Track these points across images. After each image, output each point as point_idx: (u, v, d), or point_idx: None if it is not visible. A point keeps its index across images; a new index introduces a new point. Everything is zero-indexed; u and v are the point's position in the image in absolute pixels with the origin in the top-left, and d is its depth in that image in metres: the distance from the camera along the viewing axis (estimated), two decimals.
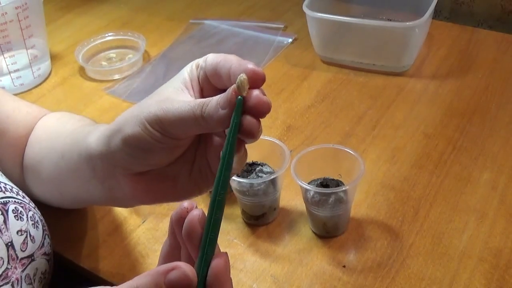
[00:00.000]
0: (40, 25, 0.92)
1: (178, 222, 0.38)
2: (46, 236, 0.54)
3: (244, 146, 0.40)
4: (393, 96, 0.82)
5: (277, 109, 0.81)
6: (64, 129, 0.58)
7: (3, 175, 0.56)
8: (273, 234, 0.63)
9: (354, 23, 0.86)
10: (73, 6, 1.16)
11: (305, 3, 0.86)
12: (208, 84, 0.43)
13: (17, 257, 0.49)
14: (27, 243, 0.51)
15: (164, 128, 0.42)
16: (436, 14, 1.02)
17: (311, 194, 0.59)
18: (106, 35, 1.00)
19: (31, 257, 0.51)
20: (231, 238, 0.63)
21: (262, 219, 0.63)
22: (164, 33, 1.04)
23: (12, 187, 0.54)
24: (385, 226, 0.62)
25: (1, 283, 0.47)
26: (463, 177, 0.67)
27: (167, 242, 0.41)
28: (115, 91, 0.90)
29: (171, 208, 0.67)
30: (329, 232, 0.61)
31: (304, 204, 0.61)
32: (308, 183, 0.60)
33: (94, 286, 0.39)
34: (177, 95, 0.42)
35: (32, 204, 0.55)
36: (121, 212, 0.67)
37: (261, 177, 0.61)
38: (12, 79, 0.90)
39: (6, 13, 0.84)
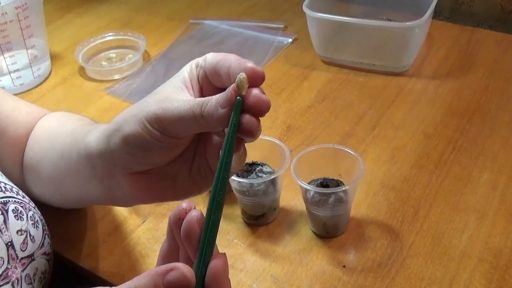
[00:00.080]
0: (40, 25, 0.92)
1: (176, 223, 0.38)
2: (46, 236, 0.54)
3: (244, 145, 0.40)
4: (393, 96, 0.82)
5: (277, 109, 0.81)
6: (63, 128, 0.58)
7: (3, 175, 0.56)
8: (273, 234, 0.63)
9: (354, 23, 0.86)
10: (73, 6, 1.16)
11: (305, 3, 0.86)
12: (208, 83, 0.43)
13: (17, 257, 0.49)
14: (27, 243, 0.51)
15: (163, 127, 0.42)
16: (436, 14, 1.02)
17: (311, 194, 0.59)
18: (106, 35, 1.00)
19: (31, 257, 0.51)
20: (231, 238, 0.63)
21: (262, 219, 0.63)
22: (164, 33, 1.04)
23: (12, 187, 0.54)
24: (385, 226, 0.62)
25: (1, 283, 0.47)
26: (463, 177, 0.67)
27: (165, 243, 0.41)
28: (115, 91, 0.90)
29: (170, 208, 0.67)
30: (329, 232, 0.61)
31: (304, 204, 0.61)
32: (308, 183, 0.60)
33: (94, 286, 0.39)
34: (176, 94, 0.42)
35: (32, 204, 0.55)
36: (121, 212, 0.67)
37: (261, 177, 0.61)
38: (12, 79, 0.90)
39: (6, 13, 0.84)
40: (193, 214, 0.37)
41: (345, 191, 0.58)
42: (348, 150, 0.61)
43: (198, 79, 0.44)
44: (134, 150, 0.44)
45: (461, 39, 0.93)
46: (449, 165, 0.69)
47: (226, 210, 0.65)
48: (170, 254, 0.41)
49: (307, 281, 0.57)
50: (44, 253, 0.53)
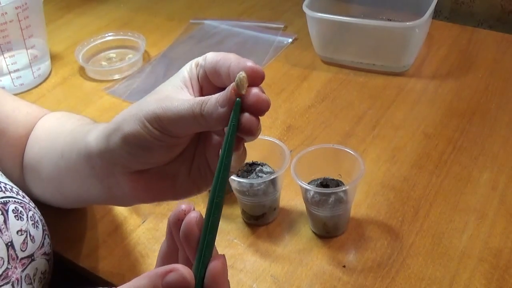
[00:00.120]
0: (40, 25, 0.92)
1: (175, 224, 0.38)
2: (46, 236, 0.54)
3: (243, 144, 0.40)
4: (393, 96, 0.82)
5: (277, 109, 0.81)
6: (63, 128, 0.58)
7: (3, 175, 0.56)
8: (273, 234, 0.63)
9: (354, 23, 0.86)
10: (73, 6, 1.17)
11: (305, 3, 0.86)
12: (208, 83, 0.43)
13: (17, 257, 0.49)
14: (27, 243, 0.51)
15: (163, 126, 0.42)
16: (436, 14, 1.02)
17: (311, 194, 0.59)
18: (106, 35, 1.00)
19: (31, 257, 0.51)
20: (231, 238, 0.63)
21: (262, 219, 0.63)
22: (164, 33, 1.04)
23: (12, 187, 0.54)
24: (385, 226, 0.62)
25: (1, 283, 0.47)
26: (463, 177, 0.67)
27: (165, 244, 0.41)
28: (115, 91, 0.90)
29: (170, 208, 0.67)
30: (329, 232, 0.61)
31: (304, 204, 0.61)
32: (308, 183, 0.60)
33: (94, 286, 0.39)
34: (176, 94, 0.42)
35: (32, 204, 0.55)
36: (121, 212, 0.67)
37: (261, 177, 0.61)
38: (12, 79, 0.90)
39: (6, 13, 0.84)
40: (192, 215, 0.37)
41: (345, 191, 0.58)
42: (348, 150, 0.61)
43: (198, 79, 0.44)
44: (133, 149, 0.44)
45: (461, 39, 0.93)
46: (449, 165, 0.69)
47: (226, 210, 0.65)
48: (169, 255, 0.41)
49: (307, 281, 0.57)
50: (44, 253, 0.53)
